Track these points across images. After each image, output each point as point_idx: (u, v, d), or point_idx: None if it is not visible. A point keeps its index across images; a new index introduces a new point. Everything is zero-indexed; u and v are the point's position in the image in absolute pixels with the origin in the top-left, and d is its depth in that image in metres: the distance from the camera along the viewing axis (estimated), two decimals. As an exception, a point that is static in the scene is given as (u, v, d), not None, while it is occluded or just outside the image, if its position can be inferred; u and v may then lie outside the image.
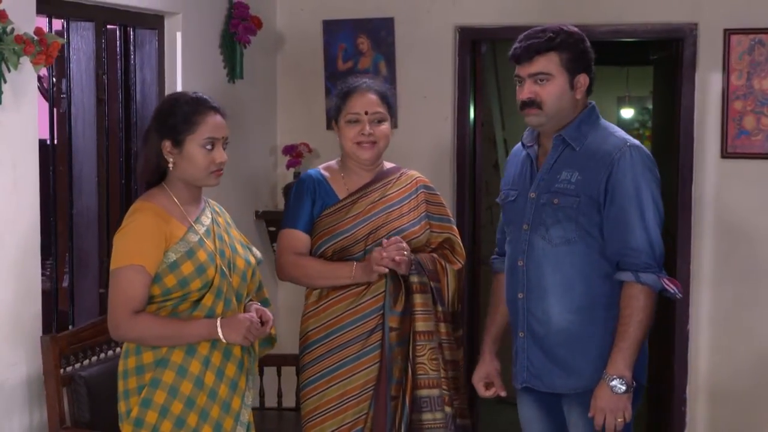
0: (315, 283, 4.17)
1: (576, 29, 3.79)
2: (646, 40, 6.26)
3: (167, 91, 5.16)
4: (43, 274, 4.62)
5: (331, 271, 4.10)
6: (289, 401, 5.25)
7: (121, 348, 3.74)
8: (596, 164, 3.69)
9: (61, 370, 4.14)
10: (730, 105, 5.67)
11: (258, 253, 3.93)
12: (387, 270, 4.00)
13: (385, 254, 3.98)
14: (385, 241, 4.04)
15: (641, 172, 3.67)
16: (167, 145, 3.63)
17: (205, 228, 3.69)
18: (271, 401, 5.32)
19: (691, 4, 5.75)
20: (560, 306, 3.71)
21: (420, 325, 4.06)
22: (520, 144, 3.99)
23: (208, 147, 3.64)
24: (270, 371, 5.23)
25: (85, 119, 4.82)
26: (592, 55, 3.79)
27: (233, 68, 5.71)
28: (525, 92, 3.72)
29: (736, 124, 5.66)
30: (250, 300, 3.84)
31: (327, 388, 4.11)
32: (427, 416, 4.06)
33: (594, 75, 3.80)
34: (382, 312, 4.07)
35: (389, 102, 4.23)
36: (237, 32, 5.65)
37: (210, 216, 3.76)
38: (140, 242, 3.56)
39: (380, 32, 6.07)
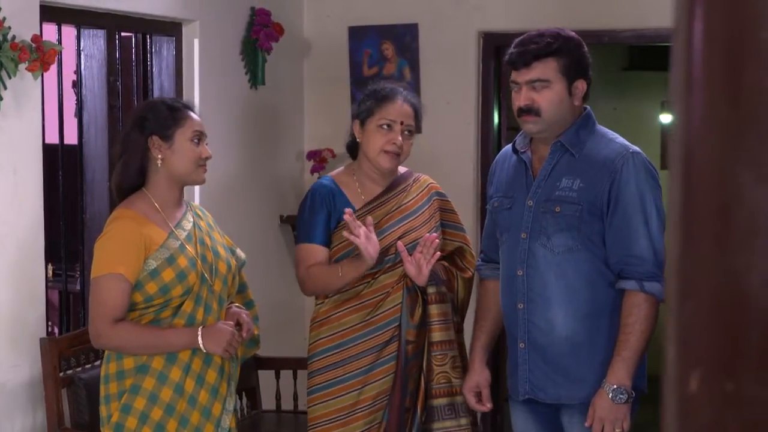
0: (329, 289, 4.05)
1: (574, 34, 3.70)
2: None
3: (186, 98, 5.21)
4: (56, 278, 4.71)
5: (328, 274, 4.01)
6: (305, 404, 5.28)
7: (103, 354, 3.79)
8: (598, 171, 3.59)
9: (62, 373, 4.21)
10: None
11: (242, 255, 3.93)
12: (363, 241, 3.84)
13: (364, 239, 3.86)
14: (426, 236, 3.95)
15: (644, 179, 3.57)
16: (155, 140, 3.62)
17: (186, 233, 3.69)
18: (287, 404, 5.36)
19: (715, 7, 5.68)
20: (565, 315, 3.62)
21: (436, 335, 3.99)
22: (508, 149, 3.90)
23: (196, 141, 3.67)
24: (286, 374, 5.27)
25: (98, 125, 4.91)
26: (590, 60, 3.70)
27: (255, 75, 5.76)
28: (522, 99, 3.61)
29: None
30: (231, 302, 3.85)
31: (337, 397, 4.04)
32: (449, 423, 4.00)
33: (590, 80, 3.73)
34: (397, 324, 4.00)
35: (419, 117, 4.14)
36: (259, 39, 5.71)
37: (191, 220, 3.75)
38: (119, 250, 3.57)
39: (405, 38, 6.09)
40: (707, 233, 0.86)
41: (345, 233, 3.88)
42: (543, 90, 3.60)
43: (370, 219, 3.94)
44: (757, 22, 0.83)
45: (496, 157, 4.01)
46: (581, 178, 3.61)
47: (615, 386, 3.53)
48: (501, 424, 6.30)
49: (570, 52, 3.64)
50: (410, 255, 3.94)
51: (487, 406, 3.95)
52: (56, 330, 5.21)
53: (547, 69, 3.60)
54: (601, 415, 3.55)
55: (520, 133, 3.85)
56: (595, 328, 3.63)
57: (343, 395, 4.04)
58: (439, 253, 3.96)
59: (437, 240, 3.95)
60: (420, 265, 3.92)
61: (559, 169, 3.67)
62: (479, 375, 3.93)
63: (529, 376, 3.71)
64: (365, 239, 3.84)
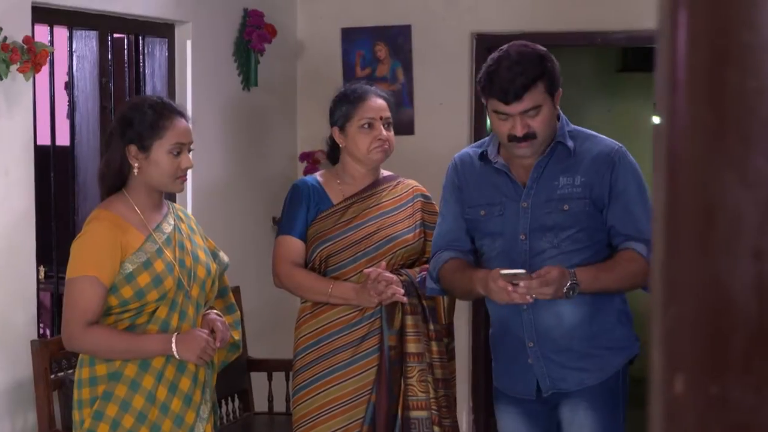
0: (307, 297, 4.16)
1: (539, 48, 3.71)
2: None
3: (178, 99, 5.21)
4: (48, 280, 4.70)
5: (316, 288, 4.09)
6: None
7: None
8: (599, 166, 3.67)
9: (52, 375, 4.20)
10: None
11: (225, 258, 3.88)
12: (385, 297, 3.97)
13: (382, 290, 3.96)
14: (371, 271, 3.99)
15: (637, 171, 3.72)
16: (132, 149, 3.55)
17: (165, 236, 3.63)
18: (279, 406, 5.35)
19: (708, 9, 5.67)
20: (571, 305, 3.64)
21: (411, 347, 4.06)
22: (467, 157, 3.88)
23: (175, 153, 3.58)
24: (278, 376, 5.26)
25: (90, 126, 4.90)
26: (557, 63, 3.73)
27: (247, 76, 5.76)
28: (519, 129, 3.59)
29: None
30: (210, 308, 3.79)
31: (317, 394, 4.09)
32: None
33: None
34: (373, 319, 4.05)
35: (392, 108, 4.25)
36: (251, 40, 5.70)
37: (172, 223, 3.69)
38: (94, 253, 3.51)
39: (398, 39, 6.09)
40: (691, 235, 0.85)
41: (374, 296, 3.97)
42: (536, 115, 3.61)
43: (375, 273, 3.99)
44: (739, 25, 0.83)
45: (455, 167, 3.93)
46: (581, 174, 3.69)
47: (576, 282, 3.52)
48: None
49: (549, 70, 3.66)
50: (384, 249, 4.09)
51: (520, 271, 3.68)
52: (48, 332, 5.20)
53: (537, 95, 3.60)
54: (552, 279, 3.48)
55: (484, 142, 3.89)
56: (603, 313, 3.71)
57: (322, 392, 4.09)
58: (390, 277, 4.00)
59: (385, 275, 3.99)
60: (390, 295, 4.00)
61: (552, 169, 3.71)
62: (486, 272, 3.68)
63: (547, 371, 3.72)
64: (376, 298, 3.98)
